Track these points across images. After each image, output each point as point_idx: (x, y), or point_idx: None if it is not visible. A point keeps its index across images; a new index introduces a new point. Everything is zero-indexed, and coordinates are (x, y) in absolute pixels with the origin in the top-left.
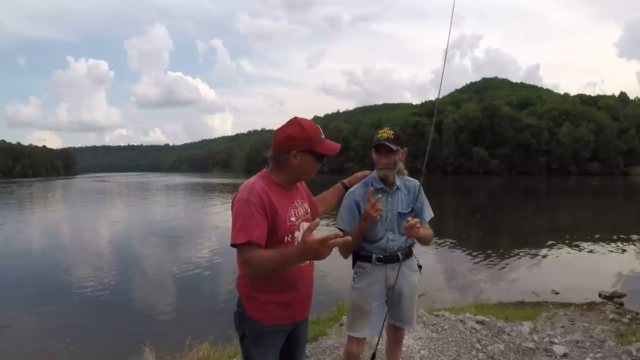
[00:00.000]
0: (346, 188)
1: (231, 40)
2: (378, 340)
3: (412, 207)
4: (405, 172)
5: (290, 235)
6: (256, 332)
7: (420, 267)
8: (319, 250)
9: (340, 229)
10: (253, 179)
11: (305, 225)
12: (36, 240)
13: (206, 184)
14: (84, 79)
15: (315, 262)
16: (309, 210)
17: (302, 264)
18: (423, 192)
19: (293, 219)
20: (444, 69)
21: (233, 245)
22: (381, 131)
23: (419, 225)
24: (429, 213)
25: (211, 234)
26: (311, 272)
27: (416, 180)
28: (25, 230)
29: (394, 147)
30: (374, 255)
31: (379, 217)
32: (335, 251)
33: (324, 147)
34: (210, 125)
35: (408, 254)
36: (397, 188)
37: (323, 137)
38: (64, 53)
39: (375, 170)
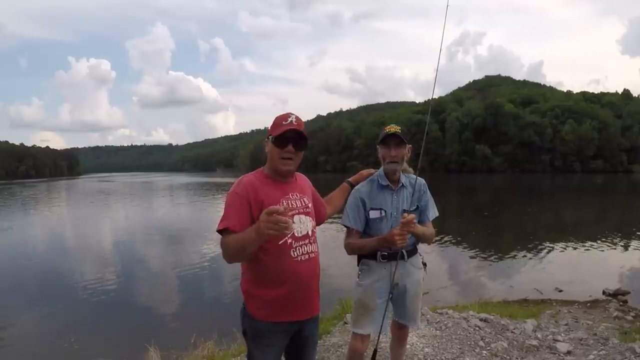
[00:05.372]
0: (352, 186)
1: (232, 40)
2: (379, 337)
3: (417, 205)
4: (410, 170)
5: None
6: (255, 329)
7: (425, 264)
8: (263, 221)
9: (346, 227)
10: (247, 174)
11: (302, 218)
12: (43, 241)
13: (210, 183)
14: (85, 79)
15: (319, 260)
16: (309, 205)
17: (298, 259)
18: (428, 190)
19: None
20: (439, 60)
21: (218, 232)
22: (388, 127)
23: (415, 221)
24: (433, 212)
25: (215, 233)
26: (311, 268)
27: (421, 179)
28: (32, 232)
29: (404, 138)
30: (379, 252)
31: (383, 214)
32: (339, 248)
33: (277, 130)
34: (213, 125)
35: (413, 251)
36: (403, 185)
37: (286, 123)
38: (65, 53)
39: (382, 167)
